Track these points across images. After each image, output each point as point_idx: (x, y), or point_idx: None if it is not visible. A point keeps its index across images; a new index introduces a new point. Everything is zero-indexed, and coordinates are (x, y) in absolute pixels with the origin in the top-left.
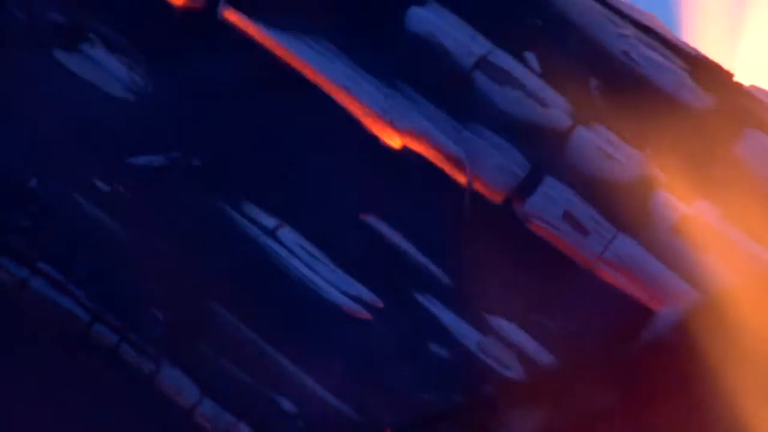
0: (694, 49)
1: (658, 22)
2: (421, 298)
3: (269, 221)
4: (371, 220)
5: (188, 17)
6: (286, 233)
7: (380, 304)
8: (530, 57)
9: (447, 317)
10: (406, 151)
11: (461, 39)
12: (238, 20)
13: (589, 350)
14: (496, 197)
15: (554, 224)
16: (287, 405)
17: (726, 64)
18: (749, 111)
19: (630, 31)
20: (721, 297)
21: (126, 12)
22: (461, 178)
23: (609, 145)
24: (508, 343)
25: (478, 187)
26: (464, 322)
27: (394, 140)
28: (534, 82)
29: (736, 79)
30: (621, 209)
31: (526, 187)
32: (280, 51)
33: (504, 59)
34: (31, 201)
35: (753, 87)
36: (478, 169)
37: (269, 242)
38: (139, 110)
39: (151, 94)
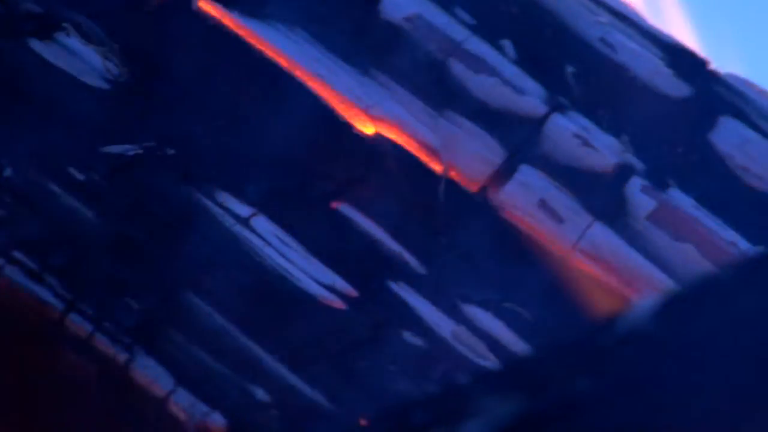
0: (671, 37)
1: (634, 9)
2: (395, 287)
3: (243, 210)
4: (345, 208)
5: (163, 7)
6: (261, 222)
7: (354, 293)
8: (506, 44)
9: (421, 306)
10: (380, 139)
11: (436, 26)
12: (213, 10)
13: (564, 339)
14: (472, 185)
15: (529, 212)
16: (261, 394)
17: (703, 51)
18: (725, 99)
19: (606, 18)
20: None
21: (101, 1)
22: (436, 166)
23: (585, 133)
24: (483, 332)
25: (453, 174)
26: (439, 310)
27: (368, 128)
28: (510, 70)
29: (712, 66)
30: (597, 197)
31: (502, 175)
32: (254, 40)
33: (479, 47)
34: (5, 190)
35: (730, 74)
36: (453, 156)
37: (243, 231)
38: (114, 99)
39: (125, 84)
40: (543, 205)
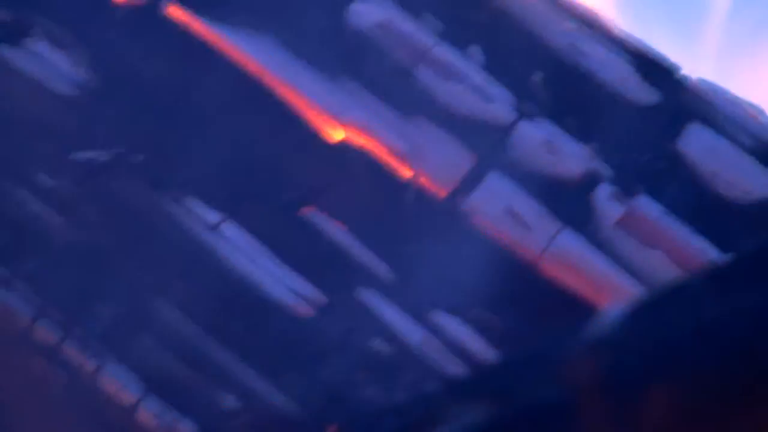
0: (640, 43)
1: (603, 16)
2: (364, 294)
3: (212, 216)
4: (314, 215)
5: (132, 13)
6: (230, 228)
7: (323, 300)
8: (475, 51)
9: (390, 313)
10: (349, 146)
11: (405, 33)
12: (182, 16)
13: (532, 346)
14: (440, 192)
15: (498, 219)
16: (231, 401)
17: (674, 57)
18: (694, 106)
19: (574, 25)
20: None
21: (69, 7)
22: (405, 173)
23: (553, 139)
24: (452, 339)
25: (422, 181)
26: (408, 317)
27: (337, 134)
28: (478, 77)
29: (681, 72)
30: (565, 204)
31: (470, 181)
32: (224, 46)
33: (448, 53)
34: None
35: (700, 80)
36: (422, 163)
37: (212, 237)
38: (83, 106)
39: (94, 90)
40: (511, 211)
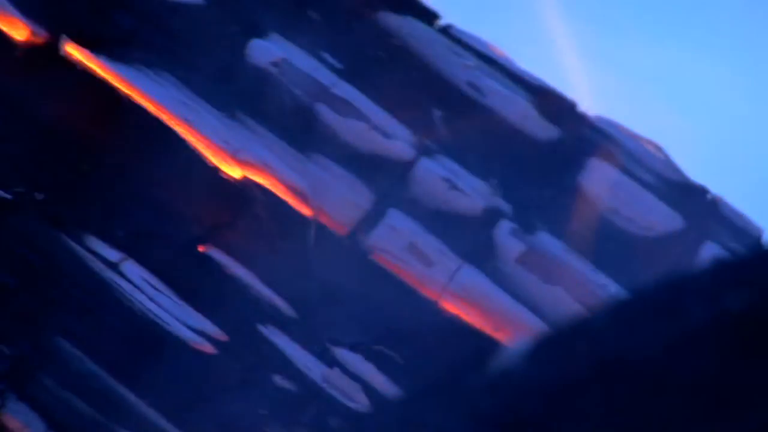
0: (538, 80)
1: (502, 53)
2: (266, 331)
3: (113, 255)
4: (214, 252)
5: (30, 52)
6: (130, 267)
7: (224, 337)
8: (373, 88)
9: (292, 349)
10: (248, 183)
11: (304, 71)
12: (80, 54)
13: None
14: (341, 229)
15: (399, 256)
16: None
17: (574, 93)
18: (593, 141)
19: (473, 61)
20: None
21: None
22: (305, 210)
23: (453, 176)
24: (354, 375)
25: (323, 219)
26: (309, 354)
27: (236, 172)
28: (377, 114)
29: (580, 109)
30: (466, 240)
31: (371, 219)
32: (122, 84)
33: (347, 91)
34: None
35: (598, 117)
36: (322, 201)
37: (113, 276)
38: None
39: None
40: (412, 248)
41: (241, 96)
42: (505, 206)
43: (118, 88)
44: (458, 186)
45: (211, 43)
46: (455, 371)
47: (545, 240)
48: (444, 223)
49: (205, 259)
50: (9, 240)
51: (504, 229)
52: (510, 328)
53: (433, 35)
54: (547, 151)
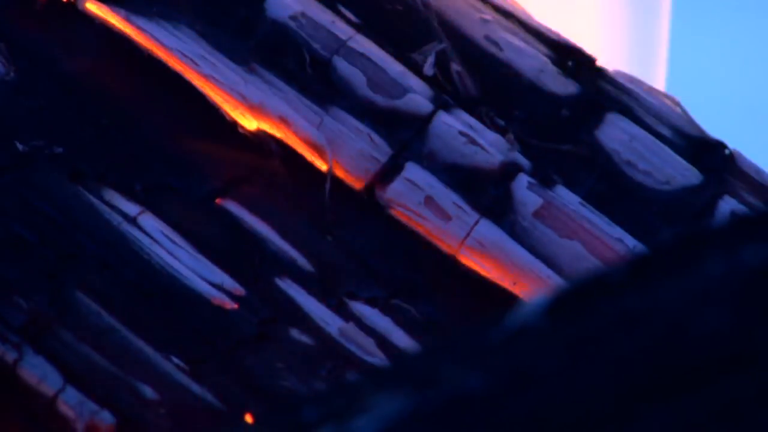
0: (557, 34)
1: (519, 6)
2: (283, 285)
3: (131, 208)
4: (231, 206)
5: (50, 6)
6: (148, 220)
7: (241, 291)
8: (391, 42)
9: (308, 303)
10: (265, 137)
11: (321, 24)
12: (100, 9)
13: (453, 336)
14: (358, 183)
15: (416, 210)
16: (150, 392)
17: (591, 48)
18: (612, 96)
19: (491, 15)
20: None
21: None
22: (322, 164)
23: (471, 131)
24: (371, 329)
25: (339, 173)
26: (326, 308)
27: (253, 125)
28: (395, 68)
29: (598, 64)
30: (484, 195)
31: (388, 173)
32: (141, 38)
33: (365, 45)
34: None
35: (616, 72)
36: (338, 154)
37: (131, 229)
38: (1, 98)
39: (12, 83)
40: (430, 202)
41: (260, 50)
42: (523, 161)
43: (137, 42)
44: (476, 140)
45: None
46: (472, 326)
47: (563, 194)
48: (462, 178)
49: (223, 212)
50: (27, 194)
51: (521, 184)
52: (528, 282)
53: None
54: (565, 106)
